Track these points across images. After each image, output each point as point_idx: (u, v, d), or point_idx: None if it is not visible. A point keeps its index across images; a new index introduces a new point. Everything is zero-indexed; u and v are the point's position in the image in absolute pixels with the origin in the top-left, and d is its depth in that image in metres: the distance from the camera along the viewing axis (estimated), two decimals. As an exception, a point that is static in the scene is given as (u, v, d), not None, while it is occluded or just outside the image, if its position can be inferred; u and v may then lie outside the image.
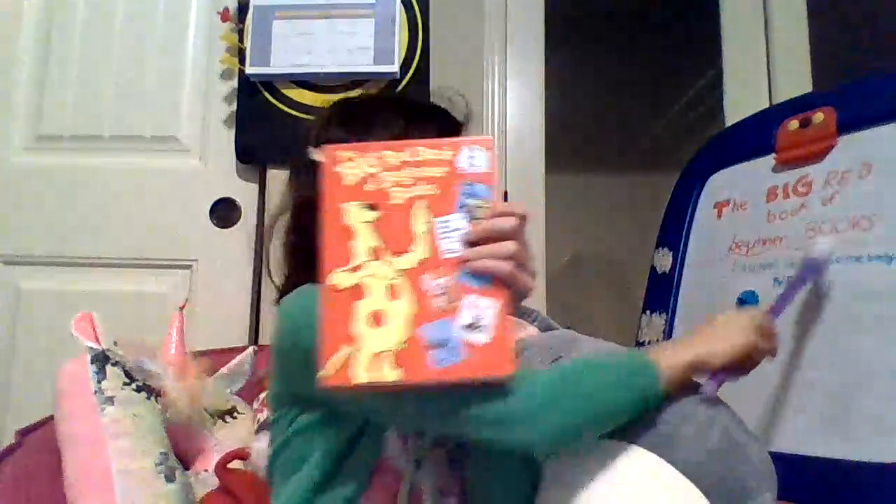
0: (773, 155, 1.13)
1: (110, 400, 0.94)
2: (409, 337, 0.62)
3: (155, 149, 1.70)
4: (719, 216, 1.23)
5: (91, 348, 0.99)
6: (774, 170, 1.13)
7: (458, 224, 0.65)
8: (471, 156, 0.67)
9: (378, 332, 0.62)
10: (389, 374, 0.60)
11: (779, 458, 0.75)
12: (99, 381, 0.95)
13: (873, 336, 0.90)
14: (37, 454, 1.00)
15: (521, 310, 0.90)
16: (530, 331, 0.90)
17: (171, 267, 1.66)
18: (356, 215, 0.65)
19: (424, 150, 0.67)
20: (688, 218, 1.29)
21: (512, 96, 1.75)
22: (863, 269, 0.94)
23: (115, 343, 1.02)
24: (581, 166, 2.85)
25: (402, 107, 0.87)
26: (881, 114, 0.99)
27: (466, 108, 0.91)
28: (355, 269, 0.63)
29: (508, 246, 0.64)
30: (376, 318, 0.62)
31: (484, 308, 0.63)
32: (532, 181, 1.71)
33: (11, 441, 1.05)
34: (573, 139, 2.41)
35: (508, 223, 0.65)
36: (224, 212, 1.66)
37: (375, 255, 0.64)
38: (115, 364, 0.98)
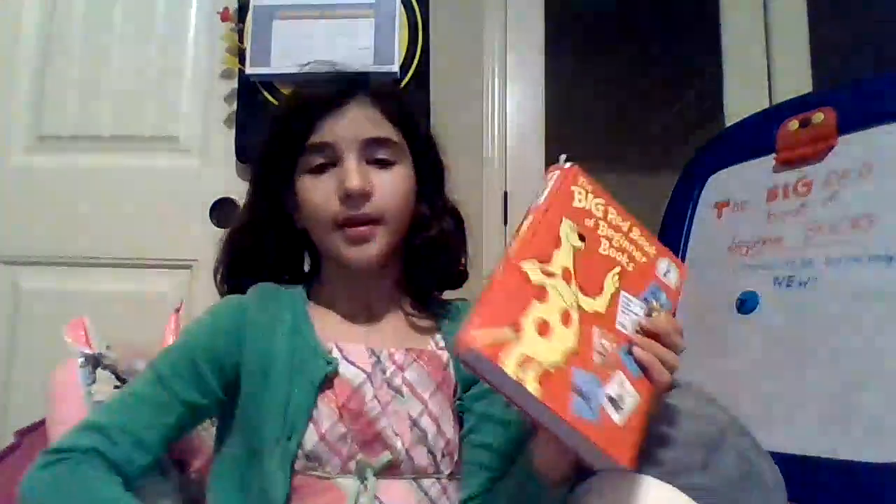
0: (773, 155, 1.12)
1: (100, 404, 0.93)
2: (563, 367, 0.60)
3: (155, 149, 1.70)
4: (719, 216, 1.23)
5: (82, 353, 0.99)
6: (774, 170, 1.12)
7: (636, 308, 0.68)
8: (668, 269, 0.72)
9: (538, 341, 0.60)
10: (532, 386, 0.57)
11: (779, 458, 0.75)
12: (89, 385, 0.94)
13: (873, 336, 0.90)
14: (36, 454, 0.99)
15: None
16: None
17: (171, 267, 1.66)
18: (567, 234, 0.66)
19: (639, 233, 0.71)
20: (688, 218, 1.29)
21: (512, 96, 1.75)
22: (863, 269, 0.94)
23: (108, 347, 1.02)
24: (581, 166, 2.84)
25: None
26: (881, 114, 0.98)
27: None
28: (547, 273, 0.63)
29: (674, 359, 0.67)
30: (543, 328, 0.60)
31: (629, 393, 0.63)
32: (532, 181, 1.70)
33: (11, 441, 1.05)
34: (573, 139, 2.40)
35: (681, 341, 0.67)
36: (224, 212, 1.66)
37: (566, 277, 0.64)
38: (105, 367, 0.98)
